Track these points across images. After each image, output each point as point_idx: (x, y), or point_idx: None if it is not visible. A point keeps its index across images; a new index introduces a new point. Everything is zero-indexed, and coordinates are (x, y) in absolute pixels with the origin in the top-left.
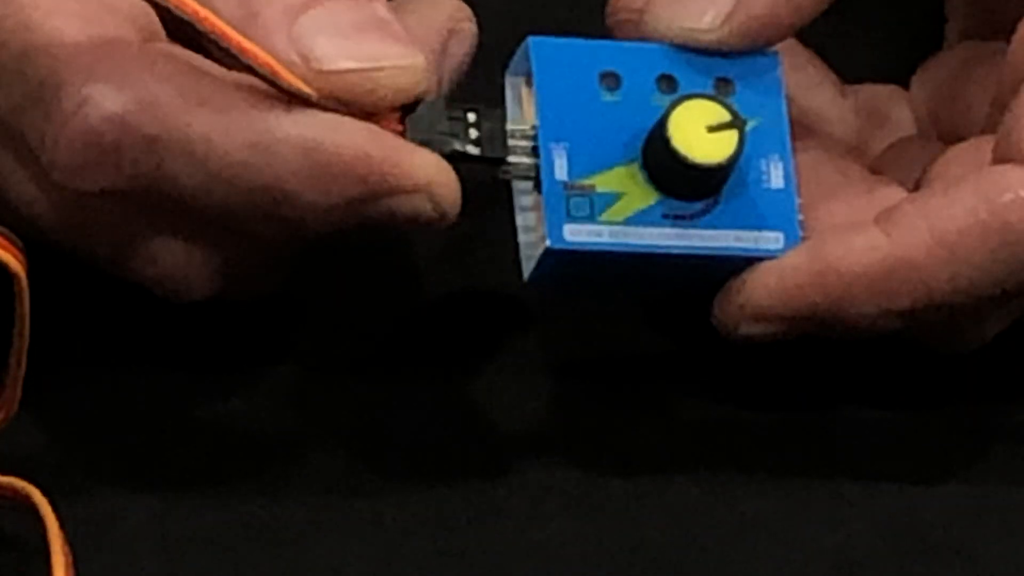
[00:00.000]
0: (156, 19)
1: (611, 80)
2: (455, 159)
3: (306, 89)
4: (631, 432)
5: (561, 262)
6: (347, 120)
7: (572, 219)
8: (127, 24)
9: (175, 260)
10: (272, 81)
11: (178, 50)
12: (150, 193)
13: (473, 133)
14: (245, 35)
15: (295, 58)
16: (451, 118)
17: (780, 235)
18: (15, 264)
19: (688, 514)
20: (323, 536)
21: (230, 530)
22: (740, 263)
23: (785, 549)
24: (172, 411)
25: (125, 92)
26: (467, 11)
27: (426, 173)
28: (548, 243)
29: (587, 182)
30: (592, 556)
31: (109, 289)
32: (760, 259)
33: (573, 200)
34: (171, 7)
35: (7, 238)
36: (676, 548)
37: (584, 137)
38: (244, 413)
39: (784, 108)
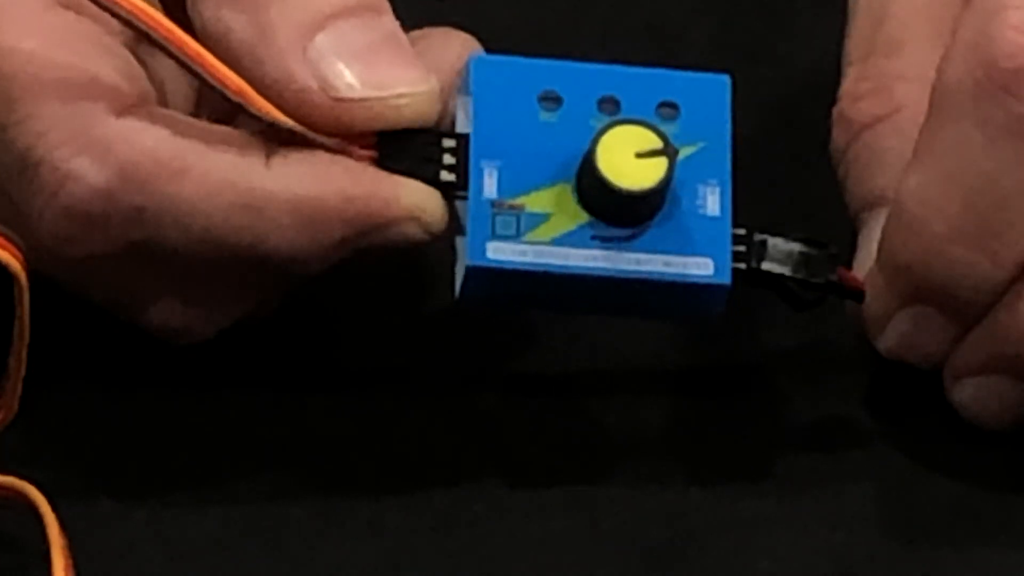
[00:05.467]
0: (144, 78)
1: (552, 100)
2: (430, 185)
3: (276, 114)
4: (630, 432)
5: (486, 280)
6: (326, 166)
7: (496, 237)
8: (108, 94)
9: (172, 312)
10: (243, 106)
11: (161, 113)
12: (142, 254)
13: (448, 159)
14: (259, 55)
15: (313, 84)
16: (425, 143)
17: (710, 261)
18: (15, 264)
19: (688, 514)
20: (323, 536)
21: (230, 531)
22: (669, 289)
23: (785, 549)
24: (172, 411)
25: (107, 165)
26: (476, 47)
27: (411, 202)
28: (468, 260)
29: (516, 201)
30: (592, 556)
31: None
32: (688, 285)
33: (500, 218)
34: (143, 27)
35: (7, 238)
36: (676, 548)
37: (518, 156)
38: (244, 413)
39: (728, 133)
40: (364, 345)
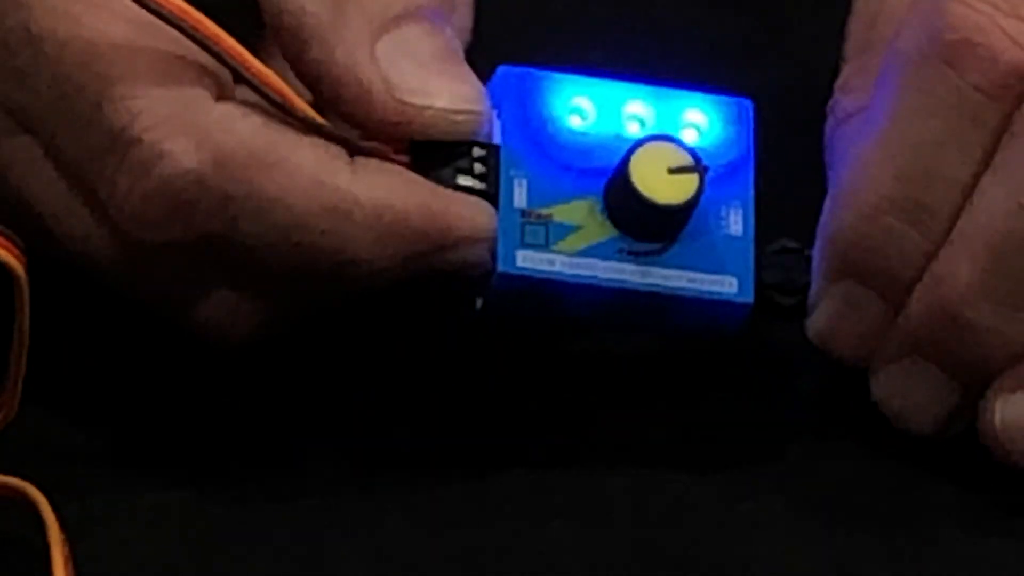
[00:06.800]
0: (229, 76)
1: (580, 113)
2: (458, 191)
3: (318, 118)
4: (632, 432)
5: (512, 288)
6: (408, 178)
7: (526, 246)
8: (204, 79)
9: (224, 309)
10: (286, 109)
11: (252, 108)
12: (214, 246)
13: (478, 167)
14: (330, 41)
15: (378, 81)
16: (457, 151)
17: (734, 280)
18: (15, 264)
19: (688, 514)
20: (323, 536)
21: (230, 531)
22: (692, 305)
23: (785, 549)
24: (173, 412)
25: (202, 149)
26: None
27: (482, 223)
28: (498, 267)
29: (545, 211)
30: (592, 556)
31: (109, 289)
32: (712, 302)
33: (529, 227)
34: (186, 26)
35: (7, 238)
36: (676, 548)
37: (546, 167)
38: (245, 414)
39: (752, 156)
40: (365, 345)
